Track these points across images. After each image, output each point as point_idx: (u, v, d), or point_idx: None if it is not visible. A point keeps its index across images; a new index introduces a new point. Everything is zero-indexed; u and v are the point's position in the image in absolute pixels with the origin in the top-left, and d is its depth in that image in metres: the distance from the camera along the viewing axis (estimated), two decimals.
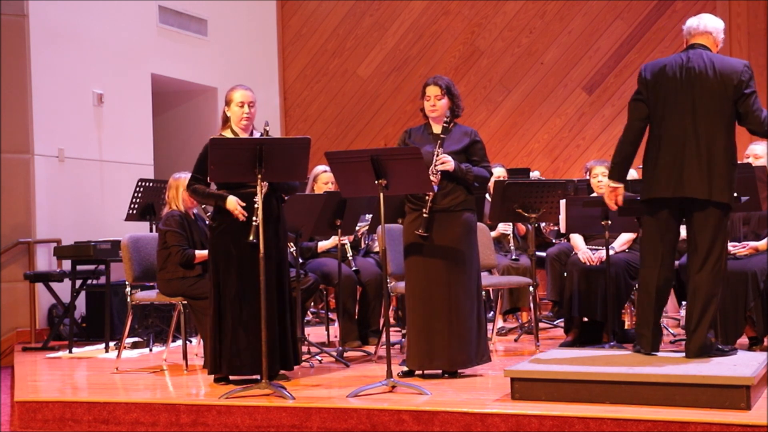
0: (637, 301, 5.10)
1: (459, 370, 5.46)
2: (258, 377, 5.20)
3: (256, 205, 5.16)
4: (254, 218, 5.17)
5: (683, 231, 5.82)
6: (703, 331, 4.87)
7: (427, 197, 5.34)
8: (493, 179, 7.84)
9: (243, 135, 5.48)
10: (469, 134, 5.53)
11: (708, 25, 5.07)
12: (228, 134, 5.49)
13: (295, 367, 5.95)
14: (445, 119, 5.45)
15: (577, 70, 10.45)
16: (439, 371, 5.48)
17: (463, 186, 5.45)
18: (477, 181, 5.44)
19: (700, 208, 4.91)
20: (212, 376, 5.51)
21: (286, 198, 5.74)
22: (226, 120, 5.55)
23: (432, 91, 5.47)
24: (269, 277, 5.34)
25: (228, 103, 5.54)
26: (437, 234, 5.39)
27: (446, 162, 5.33)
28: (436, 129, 5.51)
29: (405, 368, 5.53)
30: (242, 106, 5.48)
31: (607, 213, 6.08)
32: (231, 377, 5.47)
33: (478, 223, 6.77)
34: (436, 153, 5.34)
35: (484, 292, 6.73)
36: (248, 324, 5.35)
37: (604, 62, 10.34)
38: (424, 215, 5.30)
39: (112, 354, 6.96)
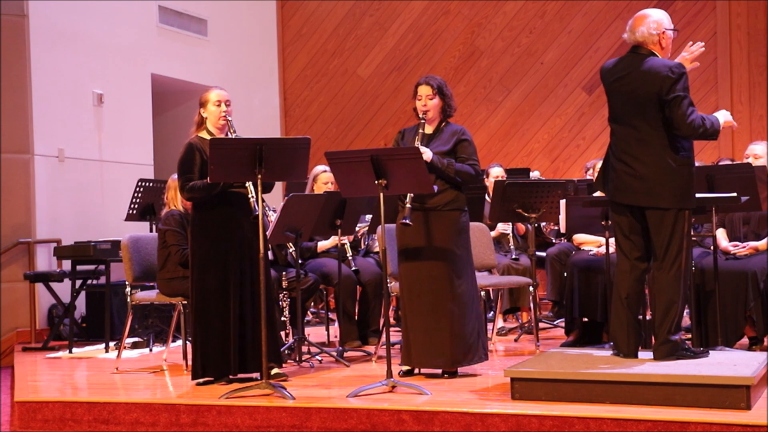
0: (611, 305, 5.08)
1: (458, 370, 5.46)
2: (256, 376, 5.21)
3: (252, 198, 5.15)
4: (255, 211, 5.15)
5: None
6: (663, 335, 4.83)
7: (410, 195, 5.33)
8: (492, 179, 7.88)
9: (219, 135, 5.49)
10: (457, 133, 5.51)
11: (644, 30, 4.97)
12: (204, 136, 5.50)
13: (296, 367, 5.96)
14: (422, 116, 5.42)
15: (577, 70, 10.45)
16: (439, 371, 5.49)
17: (452, 184, 5.43)
18: (459, 176, 5.38)
19: (650, 212, 4.88)
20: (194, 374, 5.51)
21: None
22: (200, 123, 5.57)
23: (423, 90, 5.47)
24: (244, 275, 5.36)
25: (203, 104, 5.55)
26: (427, 233, 5.39)
27: (422, 153, 5.31)
28: (428, 129, 5.50)
29: (405, 368, 5.53)
30: (219, 105, 5.50)
31: (607, 213, 6.09)
32: (231, 377, 5.47)
33: (478, 224, 6.81)
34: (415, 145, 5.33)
35: (483, 292, 6.76)
36: (229, 323, 5.36)
37: (604, 62, 10.34)
38: (407, 206, 5.28)
39: (112, 354, 6.96)
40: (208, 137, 5.43)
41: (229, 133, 5.47)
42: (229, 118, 5.46)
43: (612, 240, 6.47)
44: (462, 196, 5.50)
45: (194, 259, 5.50)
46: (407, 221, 5.20)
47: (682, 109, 4.77)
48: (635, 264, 4.96)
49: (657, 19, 5.00)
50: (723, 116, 4.99)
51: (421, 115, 5.43)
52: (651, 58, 4.92)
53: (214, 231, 5.42)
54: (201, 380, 5.46)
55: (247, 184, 5.15)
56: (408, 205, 5.25)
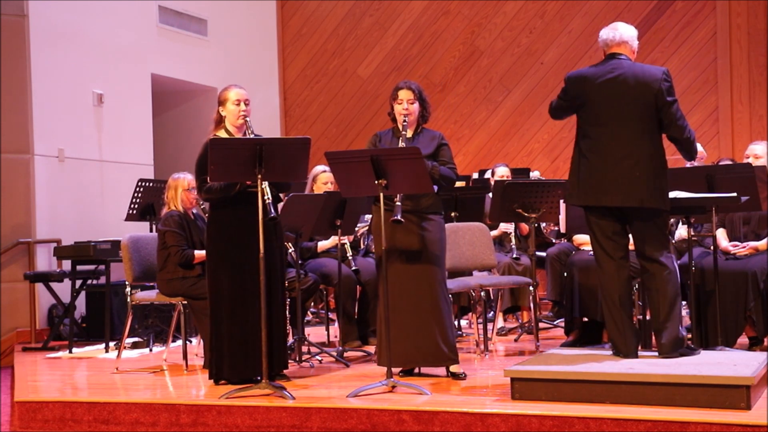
0: (604, 308, 5.08)
1: (455, 371, 5.46)
2: (257, 377, 5.20)
3: (268, 200, 5.10)
4: (270, 213, 5.11)
5: (683, 232, 5.85)
6: (674, 330, 4.90)
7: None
8: (494, 179, 7.89)
9: (238, 134, 5.48)
10: (437, 138, 5.53)
11: (624, 34, 5.09)
12: (222, 134, 5.49)
13: (296, 367, 5.96)
14: (404, 120, 5.42)
15: None
16: (439, 371, 5.49)
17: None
18: (443, 180, 5.39)
19: (636, 215, 4.94)
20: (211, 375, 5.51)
21: (282, 197, 5.74)
22: (219, 121, 5.55)
23: (405, 94, 5.46)
24: (272, 276, 5.35)
25: (222, 102, 5.53)
26: (419, 235, 5.39)
27: None
28: (408, 133, 5.49)
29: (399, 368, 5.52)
30: (238, 104, 5.49)
31: None
32: (229, 377, 5.47)
33: (478, 224, 6.83)
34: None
35: (483, 292, 6.77)
36: (246, 325, 5.35)
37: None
38: (397, 203, 5.26)
39: (112, 354, 6.96)
40: (226, 136, 5.43)
41: (246, 133, 5.46)
42: (248, 118, 5.45)
43: None
44: (439, 200, 5.53)
45: (210, 259, 5.49)
46: (399, 218, 5.17)
47: (680, 113, 4.94)
48: (621, 264, 5.00)
49: (631, 29, 5.16)
50: (698, 144, 5.22)
51: (403, 119, 5.43)
52: (637, 63, 5.05)
53: (231, 232, 5.40)
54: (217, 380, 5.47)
55: (264, 186, 5.13)
56: (398, 203, 5.25)
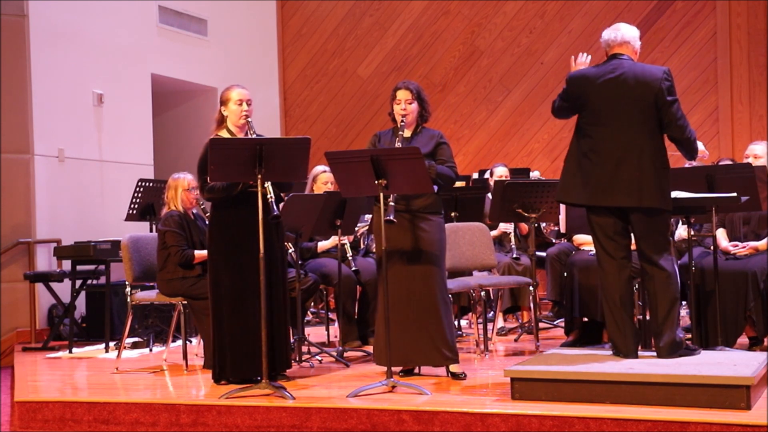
0: (605, 308, 5.08)
1: (461, 371, 5.46)
2: (258, 377, 5.20)
3: (270, 198, 5.12)
4: (273, 211, 5.12)
5: (683, 232, 5.85)
6: (672, 333, 4.90)
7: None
8: (493, 179, 7.89)
9: (240, 134, 5.48)
10: (436, 136, 5.52)
11: (626, 35, 5.13)
12: (224, 134, 5.49)
13: (295, 367, 5.96)
14: (401, 120, 5.44)
15: None
16: (439, 371, 5.48)
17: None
18: (441, 178, 5.37)
19: (638, 215, 4.95)
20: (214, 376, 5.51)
21: (283, 196, 5.75)
22: (221, 121, 5.55)
23: (403, 95, 5.47)
24: (274, 275, 5.35)
25: (225, 102, 5.53)
26: (415, 236, 5.39)
27: None
28: (406, 133, 5.50)
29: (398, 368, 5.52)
30: (240, 104, 5.49)
31: None
32: (232, 378, 5.47)
33: (478, 224, 6.83)
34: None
35: (483, 292, 6.78)
36: (248, 325, 5.35)
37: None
38: (390, 203, 5.26)
39: (112, 354, 6.96)
40: (228, 136, 5.43)
41: (248, 133, 5.45)
42: (249, 119, 5.45)
43: None
44: (439, 200, 5.52)
45: (212, 259, 5.49)
46: (391, 218, 5.16)
47: (680, 112, 4.93)
48: (622, 263, 5.00)
49: (634, 30, 5.20)
50: (700, 143, 5.20)
51: (400, 119, 5.43)
52: (638, 62, 5.05)
53: (233, 232, 5.40)
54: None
55: (267, 185, 5.13)
56: (391, 203, 5.24)
